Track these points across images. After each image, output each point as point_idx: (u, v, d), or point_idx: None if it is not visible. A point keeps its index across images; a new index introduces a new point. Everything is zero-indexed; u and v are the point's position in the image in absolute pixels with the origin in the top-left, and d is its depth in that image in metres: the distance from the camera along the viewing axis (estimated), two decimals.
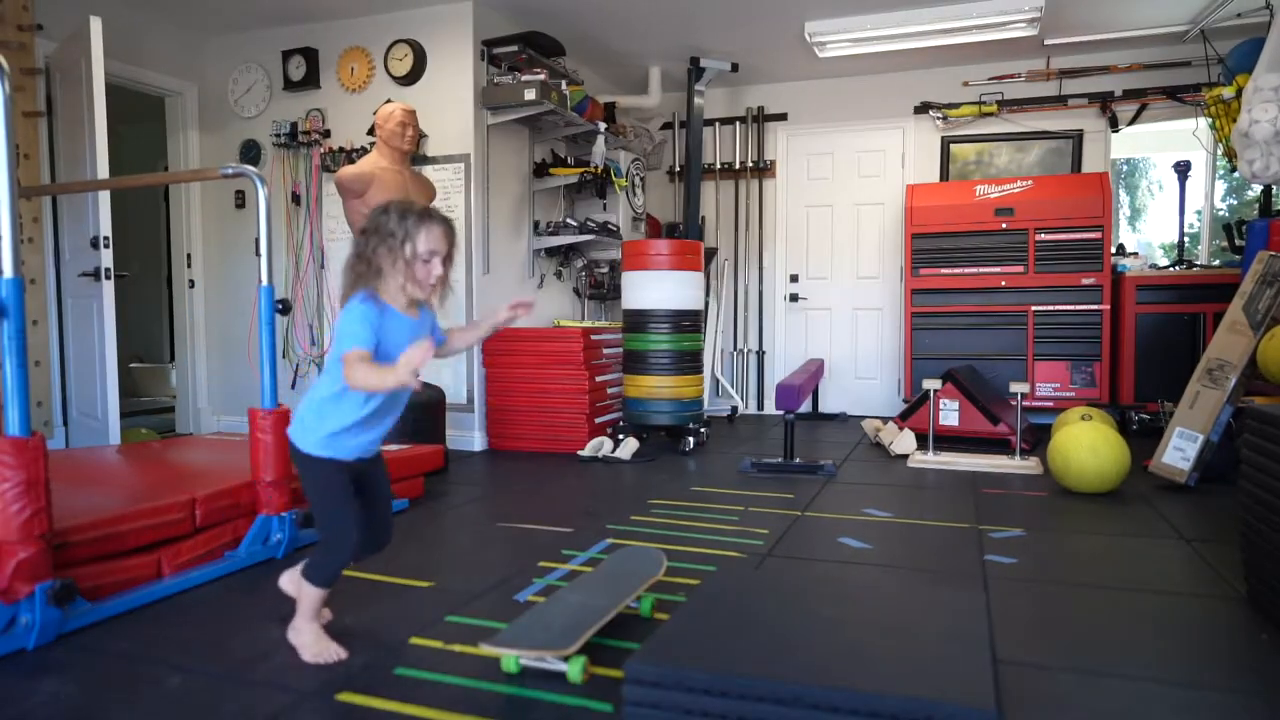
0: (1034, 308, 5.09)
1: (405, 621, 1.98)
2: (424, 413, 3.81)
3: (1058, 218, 5.05)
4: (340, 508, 1.79)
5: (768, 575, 2.21)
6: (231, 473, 2.69)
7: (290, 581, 1.98)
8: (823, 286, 6.13)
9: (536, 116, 4.66)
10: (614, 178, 5.22)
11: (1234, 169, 4.60)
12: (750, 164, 6.16)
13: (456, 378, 4.59)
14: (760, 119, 6.15)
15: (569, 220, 5.05)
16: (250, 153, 4.95)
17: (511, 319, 1.87)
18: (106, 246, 3.79)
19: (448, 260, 1.76)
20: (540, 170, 5.04)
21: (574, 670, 1.62)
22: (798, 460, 3.91)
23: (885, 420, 5.02)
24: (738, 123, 6.21)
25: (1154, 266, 5.22)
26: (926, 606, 1.72)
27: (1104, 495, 3.31)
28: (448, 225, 1.76)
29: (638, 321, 4.44)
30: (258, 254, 2.64)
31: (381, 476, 1.92)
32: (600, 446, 4.25)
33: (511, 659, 1.67)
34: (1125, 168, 7.70)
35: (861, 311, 6.03)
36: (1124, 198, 8.03)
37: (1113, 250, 5.20)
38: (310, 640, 1.79)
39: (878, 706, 1.27)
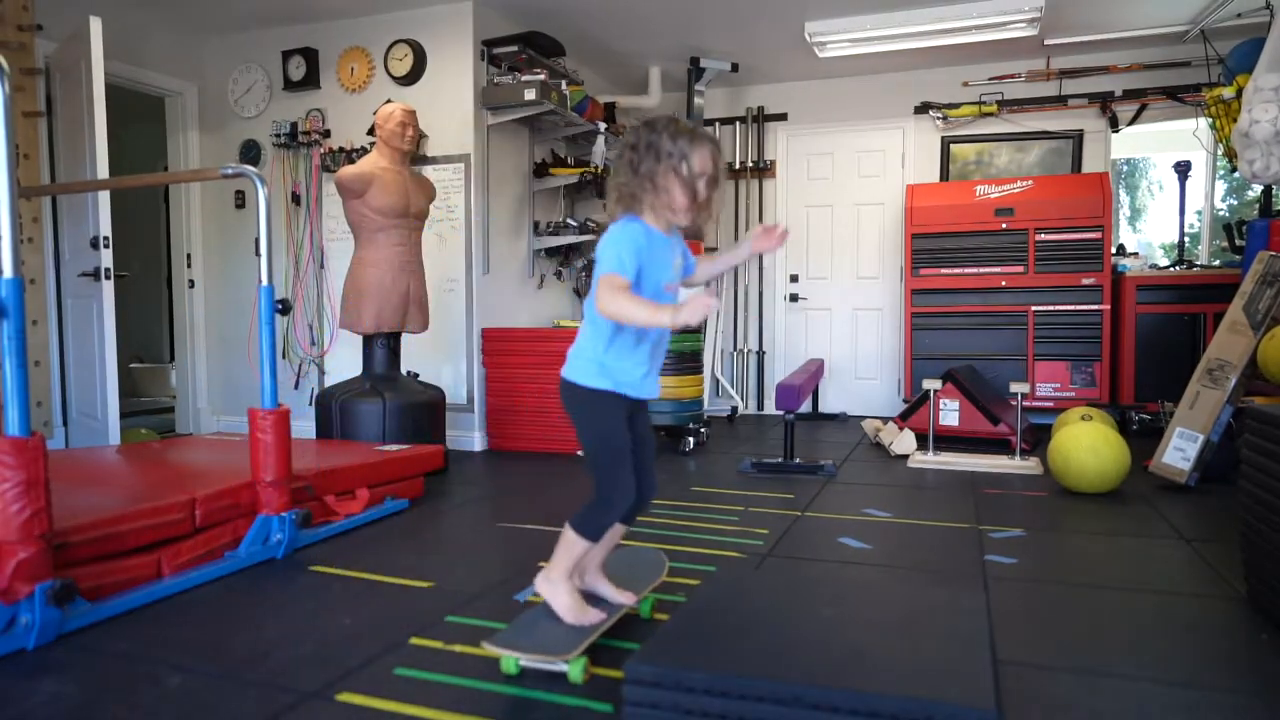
0: (1034, 308, 5.09)
1: (405, 621, 1.98)
2: (424, 413, 3.81)
3: (1058, 218, 5.05)
4: (622, 451, 1.69)
5: (768, 575, 2.21)
6: (231, 473, 2.69)
7: (543, 580, 1.80)
8: (823, 287, 6.13)
9: (536, 116, 4.66)
10: None
11: (1234, 169, 4.60)
12: (750, 164, 6.16)
13: (456, 378, 4.59)
14: (760, 119, 6.14)
15: (569, 220, 5.05)
16: (250, 153, 4.95)
17: (766, 249, 1.81)
18: (106, 246, 3.79)
19: (713, 182, 1.69)
20: (540, 170, 5.04)
21: (574, 670, 1.62)
22: (798, 460, 3.91)
23: (885, 420, 5.01)
24: (738, 123, 6.21)
25: (1154, 266, 5.22)
26: (926, 606, 1.71)
27: (1104, 495, 3.31)
28: (716, 145, 1.70)
29: None
30: (258, 254, 2.64)
31: (647, 421, 1.84)
32: None
33: (511, 659, 1.67)
34: (1125, 168, 7.71)
35: (861, 311, 6.03)
36: (1124, 198, 8.03)
37: (1113, 250, 5.20)
38: (568, 599, 1.72)
39: (878, 706, 1.27)
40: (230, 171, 2.65)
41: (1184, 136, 5.31)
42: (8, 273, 1.79)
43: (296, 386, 4.84)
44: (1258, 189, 4.80)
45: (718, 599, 1.72)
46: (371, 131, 4.03)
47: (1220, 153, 5.08)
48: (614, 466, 1.70)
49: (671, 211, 1.68)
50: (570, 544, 1.73)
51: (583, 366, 1.72)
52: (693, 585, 2.21)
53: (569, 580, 1.75)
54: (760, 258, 6.17)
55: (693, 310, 1.50)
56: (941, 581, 2.30)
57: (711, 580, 1.88)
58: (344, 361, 4.67)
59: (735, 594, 1.74)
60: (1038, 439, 4.46)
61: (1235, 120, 4.36)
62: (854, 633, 1.55)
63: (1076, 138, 5.48)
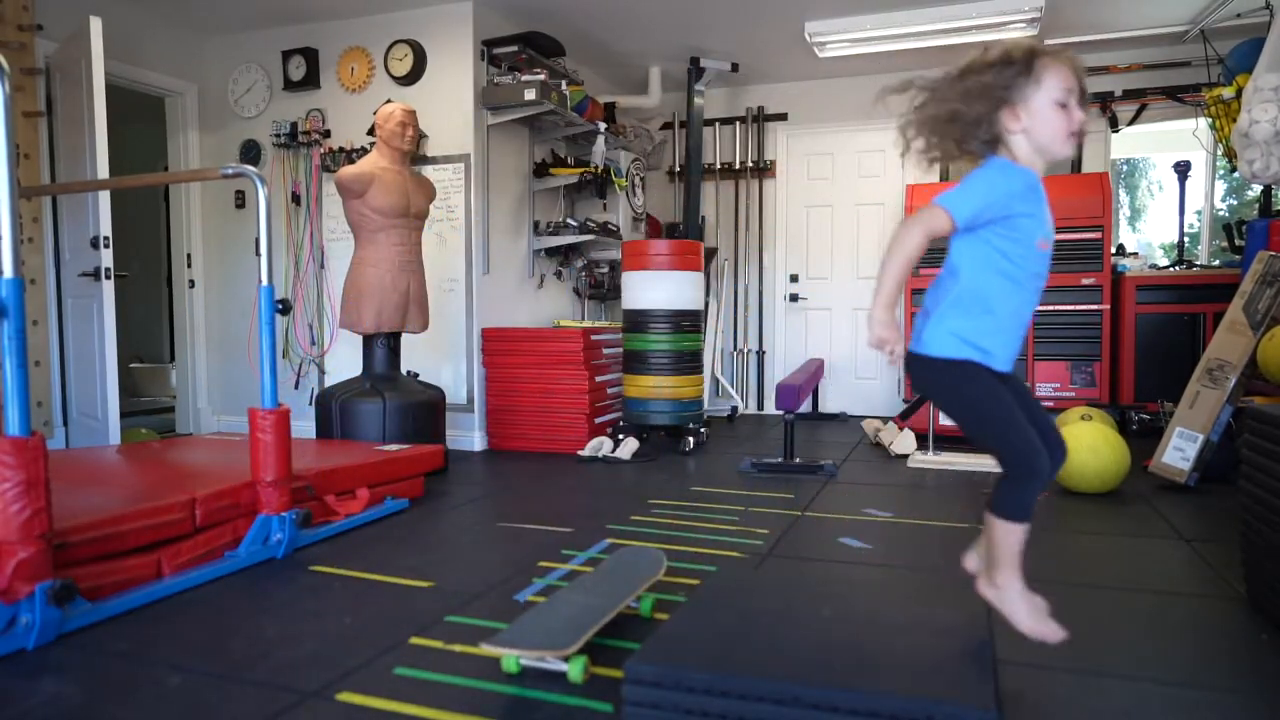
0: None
1: (405, 621, 1.98)
2: (424, 412, 3.81)
3: (1057, 218, 4.93)
4: (1014, 415, 1.48)
5: (768, 575, 2.21)
6: (231, 473, 2.69)
7: (988, 587, 1.57)
8: (823, 286, 6.13)
9: (536, 116, 4.66)
10: (614, 178, 5.22)
11: (1234, 169, 4.60)
12: (750, 164, 6.16)
13: (456, 378, 4.59)
14: (760, 119, 6.14)
15: (569, 220, 5.05)
16: (250, 153, 4.95)
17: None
18: (106, 246, 3.79)
19: (1083, 99, 1.50)
20: (540, 170, 5.04)
21: (574, 670, 1.62)
22: (798, 460, 3.91)
23: (885, 420, 5.01)
24: (738, 123, 6.21)
25: (1154, 266, 5.22)
26: (926, 606, 1.71)
27: (1104, 495, 3.31)
28: (1075, 57, 1.50)
29: (638, 321, 4.44)
30: (258, 254, 2.64)
31: (1022, 382, 1.62)
32: (600, 446, 4.25)
33: (512, 659, 1.67)
34: (1125, 168, 7.70)
35: (862, 311, 6.02)
36: (1124, 198, 8.03)
37: (1113, 250, 5.19)
38: (1025, 605, 1.51)
39: (877, 706, 1.27)
40: (230, 171, 2.66)
41: (1184, 136, 5.31)
42: (8, 273, 1.79)
43: (296, 386, 4.84)
44: (1257, 189, 4.80)
45: (718, 599, 1.72)
46: (371, 131, 4.03)
47: (1220, 153, 5.08)
48: (1009, 431, 1.48)
49: (1054, 144, 1.54)
50: (1005, 535, 1.48)
51: (941, 338, 1.54)
52: (693, 585, 2.21)
53: (1021, 582, 1.51)
54: (760, 257, 6.18)
55: (877, 333, 1.51)
56: (941, 582, 2.30)
57: (711, 580, 1.88)
58: (344, 361, 4.67)
59: (735, 594, 1.74)
60: None
61: (1235, 120, 4.36)
62: (854, 633, 1.55)
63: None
